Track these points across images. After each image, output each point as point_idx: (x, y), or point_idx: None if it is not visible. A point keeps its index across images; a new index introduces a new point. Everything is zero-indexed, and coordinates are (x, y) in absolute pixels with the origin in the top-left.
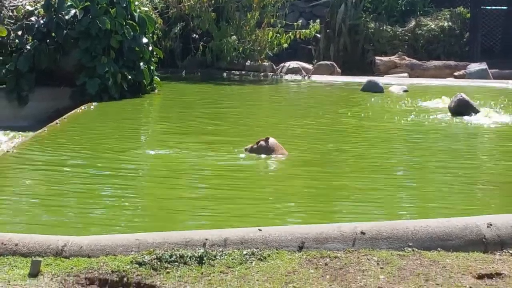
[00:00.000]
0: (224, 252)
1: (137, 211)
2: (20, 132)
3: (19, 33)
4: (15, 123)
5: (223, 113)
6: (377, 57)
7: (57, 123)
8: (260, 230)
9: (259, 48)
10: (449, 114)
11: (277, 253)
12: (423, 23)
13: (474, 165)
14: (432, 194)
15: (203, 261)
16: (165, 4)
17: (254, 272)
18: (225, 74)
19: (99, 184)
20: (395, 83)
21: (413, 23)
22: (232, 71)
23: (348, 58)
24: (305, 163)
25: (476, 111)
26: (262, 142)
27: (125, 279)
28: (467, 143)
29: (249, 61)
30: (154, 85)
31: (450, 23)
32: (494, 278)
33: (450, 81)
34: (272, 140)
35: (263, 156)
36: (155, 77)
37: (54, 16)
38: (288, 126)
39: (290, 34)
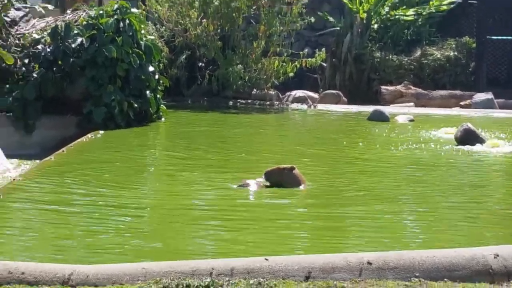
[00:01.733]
0: (231, 281)
1: (142, 242)
2: (27, 160)
3: (26, 61)
4: (22, 151)
5: (230, 143)
6: (383, 87)
7: (63, 151)
8: (266, 259)
9: (265, 76)
10: (455, 143)
11: (284, 283)
12: (428, 52)
13: (480, 195)
14: (439, 224)
15: None
16: (171, 33)
17: None
18: (231, 103)
19: (104, 215)
20: (401, 113)
21: (418, 52)
22: (238, 100)
23: (354, 87)
24: (311, 194)
25: (482, 141)
26: (287, 168)
27: None
28: (473, 173)
29: (255, 90)
30: (160, 114)
31: (455, 53)
32: None
33: (456, 111)
34: (296, 171)
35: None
36: (161, 105)
37: (60, 44)
38: (297, 156)
39: (296, 63)
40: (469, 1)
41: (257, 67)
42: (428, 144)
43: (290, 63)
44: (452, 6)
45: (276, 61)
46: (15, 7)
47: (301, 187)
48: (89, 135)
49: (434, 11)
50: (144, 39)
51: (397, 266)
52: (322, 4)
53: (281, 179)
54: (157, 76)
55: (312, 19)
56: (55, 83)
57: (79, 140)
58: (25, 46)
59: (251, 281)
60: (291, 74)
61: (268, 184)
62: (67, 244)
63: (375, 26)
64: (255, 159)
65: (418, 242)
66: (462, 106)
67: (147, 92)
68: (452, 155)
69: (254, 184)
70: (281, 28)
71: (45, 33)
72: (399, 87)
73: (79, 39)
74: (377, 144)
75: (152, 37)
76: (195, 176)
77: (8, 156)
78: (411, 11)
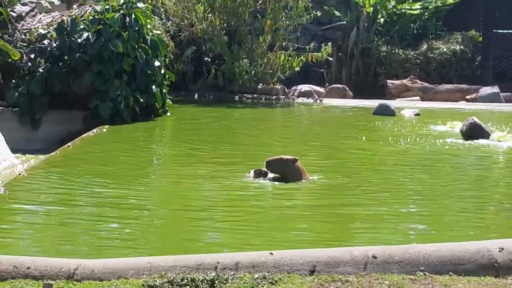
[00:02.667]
0: (236, 275)
1: (148, 237)
2: (33, 155)
3: (32, 56)
4: (28, 146)
5: (236, 137)
6: (389, 81)
7: (69, 146)
8: (271, 254)
9: (271, 71)
10: (461, 138)
11: (289, 277)
12: (435, 46)
13: (486, 189)
14: (444, 218)
15: (215, 285)
16: (177, 28)
17: None
18: (237, 97)
19: (109, 210)
20: (407, 107)
21: (425, 46)
22: (244, 94)
23: (360, 82)
24: (317, 188)
25: (488, 135)
26: (289, 159)
27: None
28: (479, 167)
29: (261, 84)
30: (166, 108)
31: (462, 47)
32: None
33: (462, 105)
34: (299, 163)
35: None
36: (167, 100)
37: (66, 39)
38: (302, 149)
39: (302, 57)
40: None
41: (263, 62)
42: (434, 138)
43: (296, 58)
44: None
45: (282, 56)
46: (21, 2)
47: (303, 180)
48: (95, 130)
49: (440, 4)
50: (150, 33)
51: (402, 260)
52: None
53: (283, 169)
54: (163, 71)
55: (318, 13)
56: (61, 78)
57: (85, 135)
58: (31, 41)
59: (256, 275)
60: (297, 69)
61: (271, 175)
62: (72, 240)
63: (381, 20)
64: (261, 153)
65: (423, 236)
66: (468, 100)
67: (153, 87)
68: (458, 149)
69: (255, 174)
70: (287, 22)
71: (51, 28)
72: (405, 81)
73: (85, 34)
74: (382, 138)
75: (158, 32)
76: (200, 170)
77: (14, 151)
78: (417, 5)
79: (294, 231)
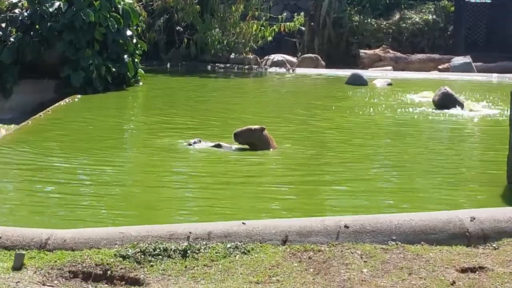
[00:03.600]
0: (208, 245)
1: (120, 207)
2: (4, 125)
3: (3, 25)
4: None
5: (208, 107)
6: (361, 50)
7: (40, 115)
8: (244, 223)
9: (243, 41)
10: (433, 107)
11: (261, 246)
12: (407, 16)
13: (457, 159)
14: (416, 188)
15: (187, 255)
16: None
17: (238, 266)
18: (209, 67)
19: (80, 181)
20: (379, 76)
21: (397, 16)
22: (217, 64)
23: (333, 51)
24: (290, 157)
25: (460, 104)
26: (257, 128)
27: (108, 272)
28: (451, 137)
29: (233, 54)
30: (138, 78)
31: (434, 16)
32: (477, 272)
33: (434, 74)
34: (266, 132)
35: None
36: (139, 69)
37: (38, 9)
38: (274, 119)
39: (275, 27)
40: None
41: (235, 31)
42: (406, 108)
43: (268, 27)
44: None
45: (255, 25)
46: None
47: (271, 149)
48: (66, 100)
49: None
50: (122, 3)
51: (374, 230)
52: None
53: (252, 139)
54: (135, 40)
55: None
56: (32, 48)
57: (56, 104)
58: (2, 10)
59: (229, 245)
60: (269, 38)
61: (239, 146)
62: (43, 210)
63: None
64: (232, 122)
65: (394, 206)
66: (440, 70)
67: (125, 56)
68: (430, 119)
69: (226, 145)
70: None
71: None
72: (377, 50)
73: (57, 3)
74: (354, 108)
75: (130, 1)
76: (171, 139)
77: None
78: None
79: (265, 201)
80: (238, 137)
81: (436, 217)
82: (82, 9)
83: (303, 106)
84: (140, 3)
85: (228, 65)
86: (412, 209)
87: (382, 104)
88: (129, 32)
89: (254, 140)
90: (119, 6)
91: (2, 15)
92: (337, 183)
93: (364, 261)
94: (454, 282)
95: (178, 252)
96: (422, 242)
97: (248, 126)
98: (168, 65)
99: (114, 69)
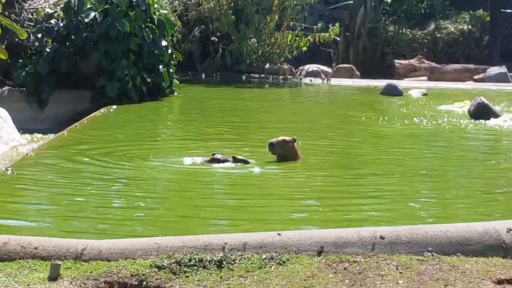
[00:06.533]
0: (243, 256)
1: (155, 217)
2: (40, 135)
3: (39, 36)
4: (35, 125)
5: (243, 117)
6: (396, 60)
7: (76, 125)
8: (279, 234)
9: (278, 51)
10: (468, 118)
11: (296, 257)
12: (442, 26)
13: (493, 169)
14: (452, 199)
15: (222, 265)
16: (184, 7)
17: (273, 277)
18: (244, 77)
19: (116, 190)
20: (414, 87)
21: (432, 26)
22: (252, 74)
23: (367, 61)
24: (324, 167)
25: (496, 115)
26: (290, 140)
27: (144, 283)
28: (487, 148)
29: (268, 64)
30: (173, 88)
31: (469, 26)
32: None
33: (469, 85)
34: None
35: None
36: (174, 80)
37: (73, 19)
38: (309, 130)
39: (310, 37)
40: None
41: (270, 42)
42: (441, 118)
43: (303, 38)
44: None
45: (290, 35)
46: None
47: (299, 160)
48: (102, 110)
49: None
50: (157, 13)
51: (410, 241)
52: None
53: (285, 150)
54: (170, 51)
55: None
56: (68, 58)
57: (92, 114)
58: (38, 20)
59: (264, 256)
60: (304, 49)
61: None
62: (80, 220)
63: None
64: (267, 133)
65: (431, 216)
66: (475, 80)
67: (160, 66)
68: (466, 130)
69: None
70: (295, 1)
71: (58, 7)
72: (412, 61)
73: (92, 14)
74: (389, 118)
75: (165, 11)
76: (207, 150)
77: (21, 131)
78: None
79: (302, 212)
80: (274, 146)
81: (472, 228)
82: (118, 20)
83: (338, 116)
84: (175, 14)
85: (263, 75)
86: (448, 220)
87: (417, 114)
88: (164, 43)
89: (287, 151)
90: (154, 16)
91: (38, 25)
92: (372, 193)
93: (400, 272)
94: None
95: (213, 262)
96: (458, 253)
97: (282, 137)
98: (203, 76)
99: (149, 80)
